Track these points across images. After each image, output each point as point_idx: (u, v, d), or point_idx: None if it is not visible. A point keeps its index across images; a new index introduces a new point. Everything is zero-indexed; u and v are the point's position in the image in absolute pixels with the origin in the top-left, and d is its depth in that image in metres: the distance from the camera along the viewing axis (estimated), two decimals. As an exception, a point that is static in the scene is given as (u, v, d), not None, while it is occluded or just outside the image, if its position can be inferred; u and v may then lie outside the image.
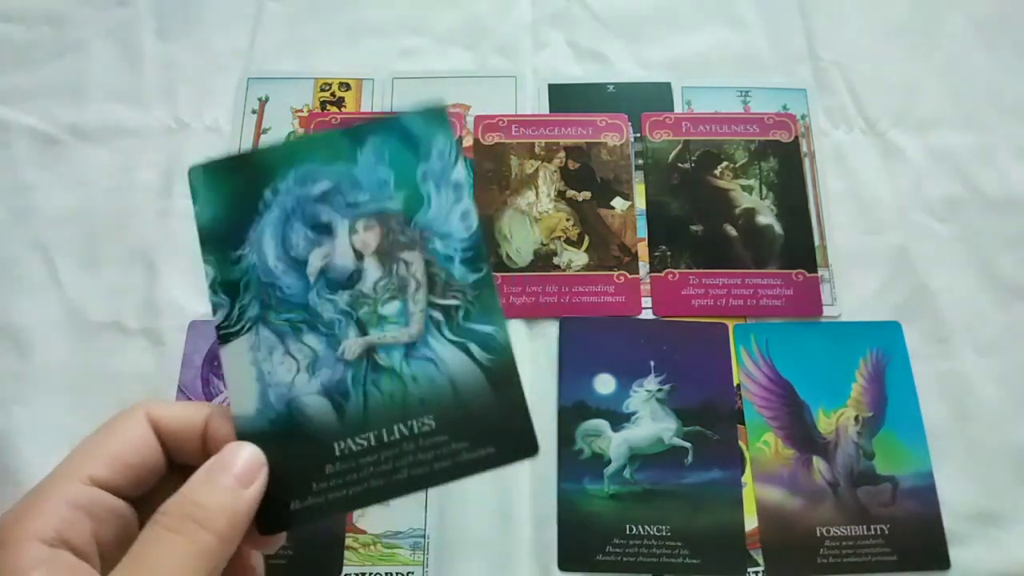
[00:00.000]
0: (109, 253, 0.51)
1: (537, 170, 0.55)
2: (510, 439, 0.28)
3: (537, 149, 0.55)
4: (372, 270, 0.29)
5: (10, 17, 0.59)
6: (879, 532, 0.45)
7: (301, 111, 0.56)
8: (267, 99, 0.57)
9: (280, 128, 0.56)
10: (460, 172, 0.30)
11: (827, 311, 0.51)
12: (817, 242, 0.53)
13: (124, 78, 0.57)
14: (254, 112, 0.56)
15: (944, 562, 0.44)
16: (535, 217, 0.53)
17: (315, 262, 0.29)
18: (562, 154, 0.55)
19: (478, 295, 0.29)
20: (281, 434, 0.28)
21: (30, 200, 0.53)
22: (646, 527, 0.45)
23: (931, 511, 0.45)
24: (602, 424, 0.47)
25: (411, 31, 0.60)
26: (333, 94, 0.57)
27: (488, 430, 0.28)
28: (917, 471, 0.46)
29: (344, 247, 0.30)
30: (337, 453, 0.28)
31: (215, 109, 0.56)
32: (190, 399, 0.47)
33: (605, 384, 0.48)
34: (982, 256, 0.53)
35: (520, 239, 0.53)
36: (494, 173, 0.54)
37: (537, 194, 0.54)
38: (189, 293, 0.50)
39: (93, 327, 0.49)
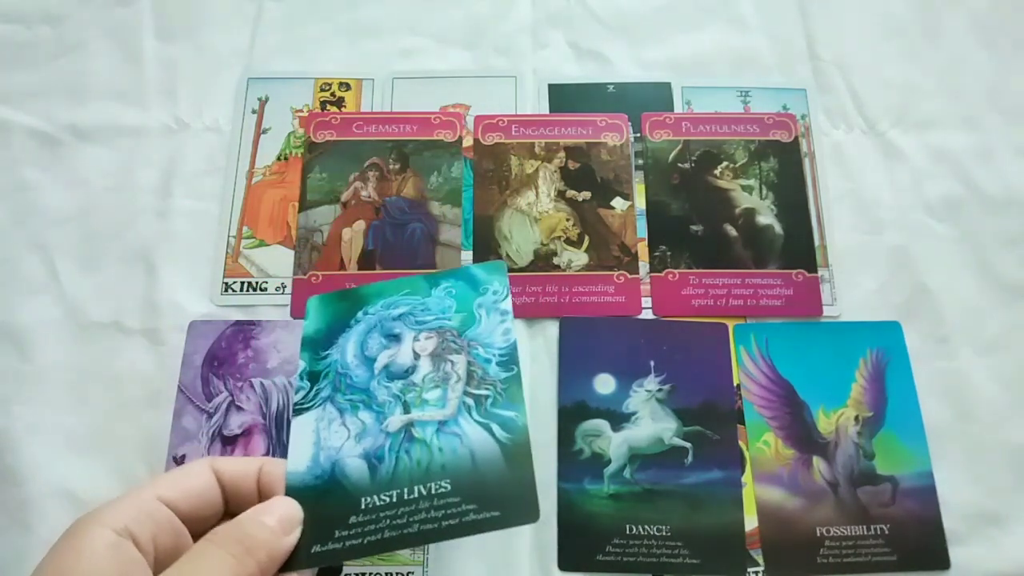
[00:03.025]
0: (109, 253, 0.51)
1: (537, 170, 0.55)
2: (514, 505, 0.33)
3: (537, 149, 0.55)
4: (424, 367, 0.37)
5: (10, 17, 0.59)
6: (879, 532, 0.45)
7: (301, 111, 0.56)
8: (267, 99, 0.57)
9: (280, 128, 0.56)
10: (508, 303, 0.38)
11: (827, 311, 0.51)
12: (817, 242, 0.53)
13: (124, 78, 0.57)
14: (254, 112, 0.56)
15: (944, 562, 0.44)
16: (535, 217, 0.53)
17: (382, 360, 0.37)
18: (562, 154, 0.55)
19: (506, 388, 0.36)
20: (321, 488, 0.34)
21: (30, 200, 0.53)
22: (646, 527, 0.45)
23: (931, 511, 0.45)
24: (602, 424, 0.47)
25: (411, 31, 0.60)
26: (333, 94, 0.57)
27: (496, 496, 0.33)
28: (917, 471, 0.46)
29: (407, 349, 0.38)
30: (363, 506, 0.33)
31: (215, 109, 0.56)
32: (190, 399, 0.47)
33: (605, 384, 0.48)
34: (982, 256, 0.53)
35: (520, 239, 0.53)
36: (494, 173, 0.54)
37: (537, 194, 0.54)
38: (189, 293, 0.50)
39: (93, 327, 0.49)
